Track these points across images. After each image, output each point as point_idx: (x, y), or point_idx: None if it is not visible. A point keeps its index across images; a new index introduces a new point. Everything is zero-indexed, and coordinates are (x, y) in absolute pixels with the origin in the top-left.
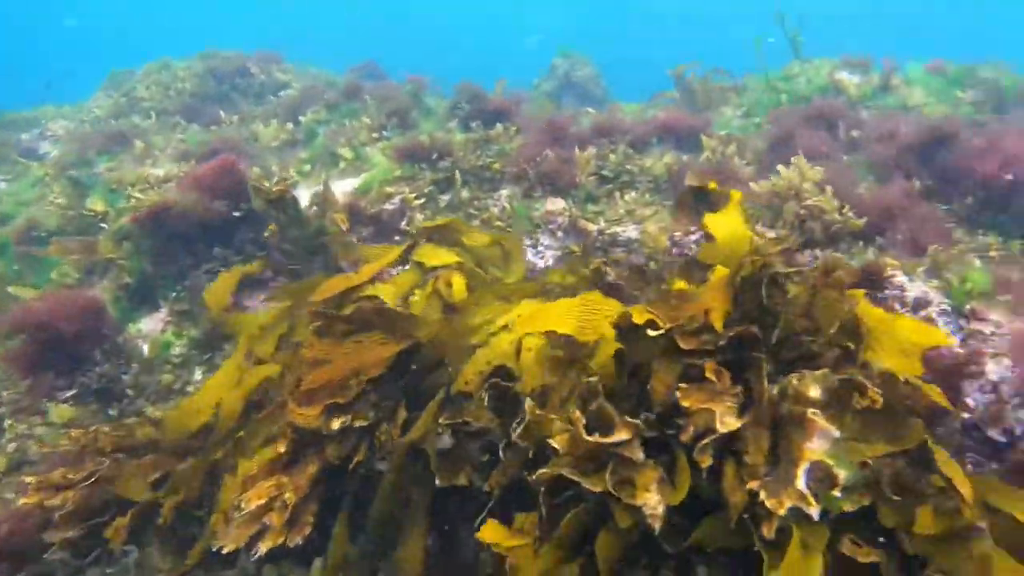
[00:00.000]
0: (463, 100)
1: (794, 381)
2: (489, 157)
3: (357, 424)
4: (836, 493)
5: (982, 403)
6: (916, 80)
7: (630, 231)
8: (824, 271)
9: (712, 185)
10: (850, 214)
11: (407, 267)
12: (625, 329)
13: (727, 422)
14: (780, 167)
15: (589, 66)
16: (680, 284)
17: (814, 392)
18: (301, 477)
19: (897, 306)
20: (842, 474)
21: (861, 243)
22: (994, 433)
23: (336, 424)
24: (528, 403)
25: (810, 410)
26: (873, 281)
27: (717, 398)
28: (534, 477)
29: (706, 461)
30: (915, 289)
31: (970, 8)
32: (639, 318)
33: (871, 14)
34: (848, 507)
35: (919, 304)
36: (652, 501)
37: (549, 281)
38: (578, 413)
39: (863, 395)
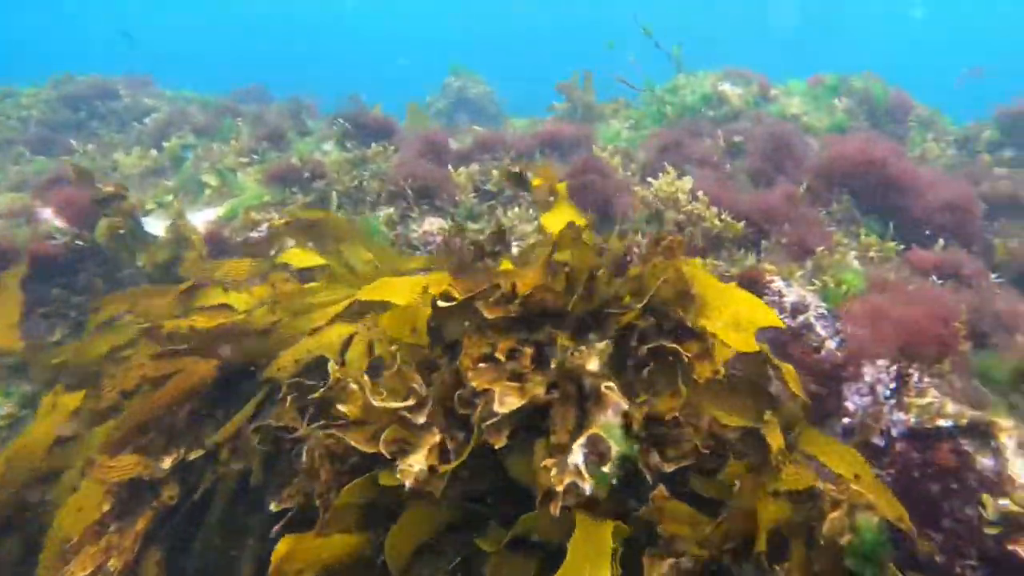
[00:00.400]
0: (341, 119)
1: (574, 354)
2: (366, 176)
3: (193, 457)
4: (605, 468)
5: (861, 406)
6: (795, 91)
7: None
8: (655, 240)
9: (535, 179)
10: (729, 219)
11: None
12: (437, 301)
13: (507, 402)
14: (650, 179)
15: (482, 84)
16: (505, 264)
17: (592, 364)
18: (128, 537)
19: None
20: (613, 449)
21: (742, 250)
22: (875, 438)
23: (168, 463)
24: (331, 365)
25: (604, 384)
26: (752, 287)
27: (501, 377)
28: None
29: (499, 441)
30: (792, 294)
31: (840, 29)
32: (435, 289)
33: (753, 33)
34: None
35: (797, 309)
36: (414, 460)
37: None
38: (366, 377)
39: (678, 362)
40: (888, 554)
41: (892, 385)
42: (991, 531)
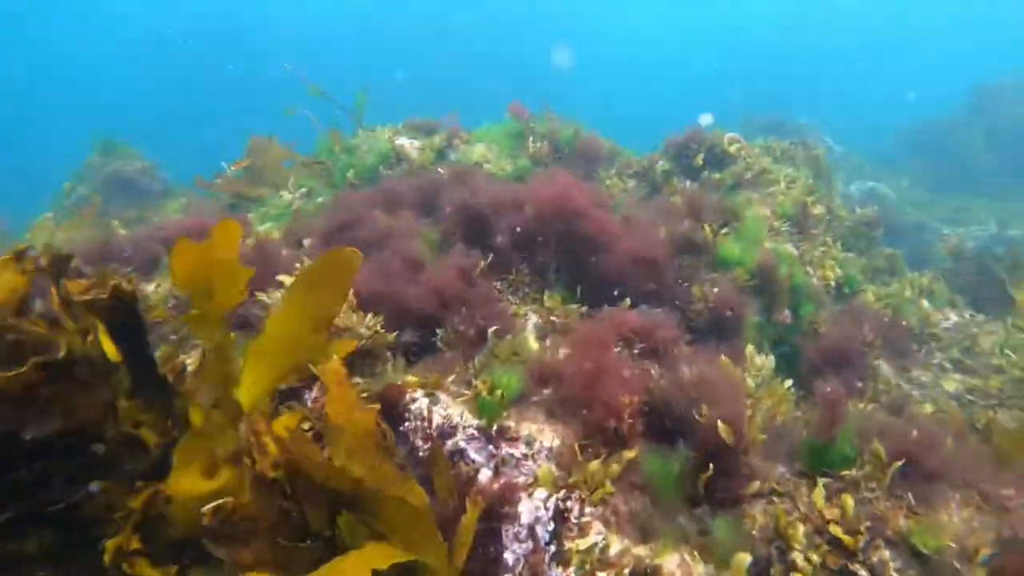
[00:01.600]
0: None
1: None
2: None
3: None
4: None
5: (521, 555)
6: (480, 137)
7: None
8: None
9: None
10: (379, 327)
11: None
12: None
13: None
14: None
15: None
16: None
17: None
18: None
19: (420, 442)
20: None
21: (391, 360)
22: None
23: None
24: None
25: None
26: (391, 411)
27: None
28: None
29: None
30: (439, 414)
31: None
32: None
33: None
34: None
35: (445, 433)
36: None
37: None
38: None
39: None
40: None
41: (551, 526)
42: None
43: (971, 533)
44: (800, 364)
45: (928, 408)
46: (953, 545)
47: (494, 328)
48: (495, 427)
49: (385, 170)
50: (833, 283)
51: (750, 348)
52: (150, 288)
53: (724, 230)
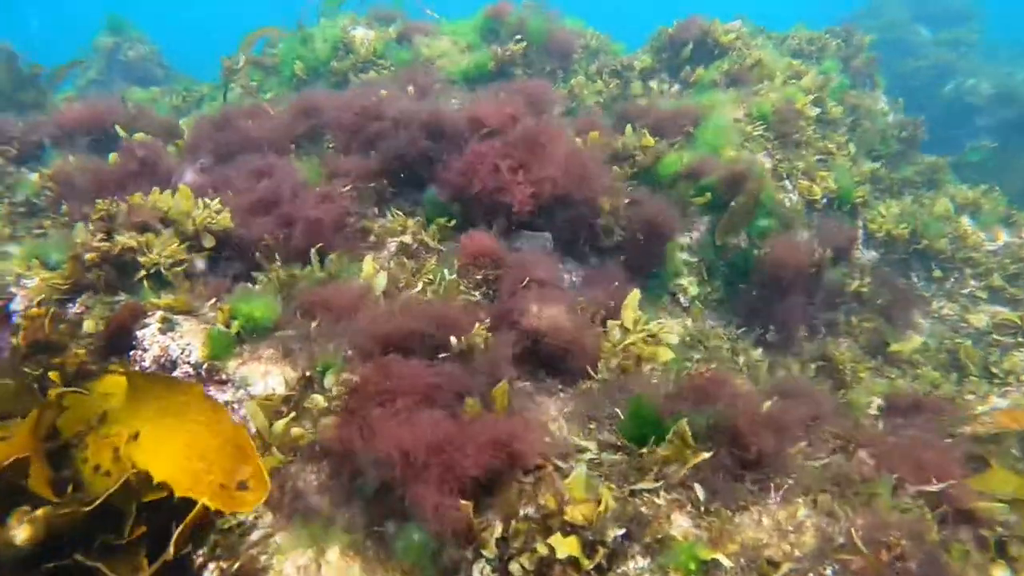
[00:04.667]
0: None
1: None
2: None
3: None
4: None
5: None
6: (447, 31)
7: None
8: None
9: None
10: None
11: None
12: None
13: None
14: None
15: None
16: None
17: None
18: None
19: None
20: None
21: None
22: None
23: None
24: None
25: None
26: (121, 333)
27: None
28: None
29: None
30: (159, 343)
31: None
32: None
33: None
34: None
35: (164, 368)
36: None
37: None
38: None
39: None
40: None
41: None
42: None
43: (781, 540)
44: (748, 291)
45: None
46: (727, 563)
47: (317, 246)
48: (206, 366)
49: (335, 63)
50: (821, 198)
51: (634, 294)
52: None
53: (679, 139)
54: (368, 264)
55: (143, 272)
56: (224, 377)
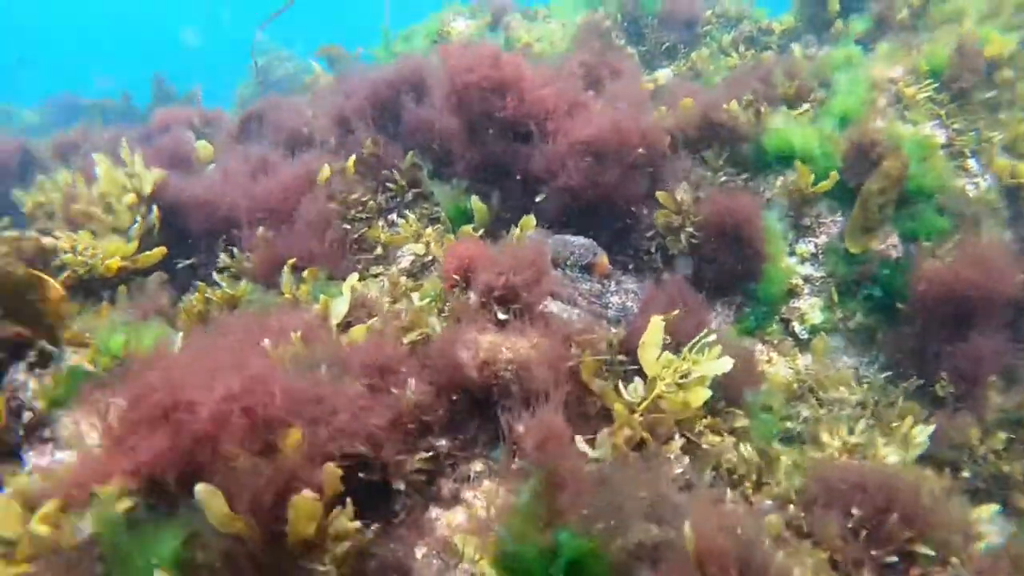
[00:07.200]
0: None
1: None
2: None
3: None
4: None
5: None
6: (555, 12)
7: None
8: None
9: None
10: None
11: None
12: None
13: None
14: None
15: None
16: None
17: None
18: None
19: None
20: None
21: None
22: None
23: None
24: None
25: None
26: None
27: None
28: None
29: None
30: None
31: None
32: None
33: None
34: None
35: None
36: None
37: None
38: None
39: None
40: None
41: None
42: None
43: None
44: (899, 321)
45: None
46: None
47: (291, 261)
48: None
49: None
50: None
51: (656, 324)
52: None
53: (804, 107)
54: (347, 285)
55: None
56: (47, 437)
